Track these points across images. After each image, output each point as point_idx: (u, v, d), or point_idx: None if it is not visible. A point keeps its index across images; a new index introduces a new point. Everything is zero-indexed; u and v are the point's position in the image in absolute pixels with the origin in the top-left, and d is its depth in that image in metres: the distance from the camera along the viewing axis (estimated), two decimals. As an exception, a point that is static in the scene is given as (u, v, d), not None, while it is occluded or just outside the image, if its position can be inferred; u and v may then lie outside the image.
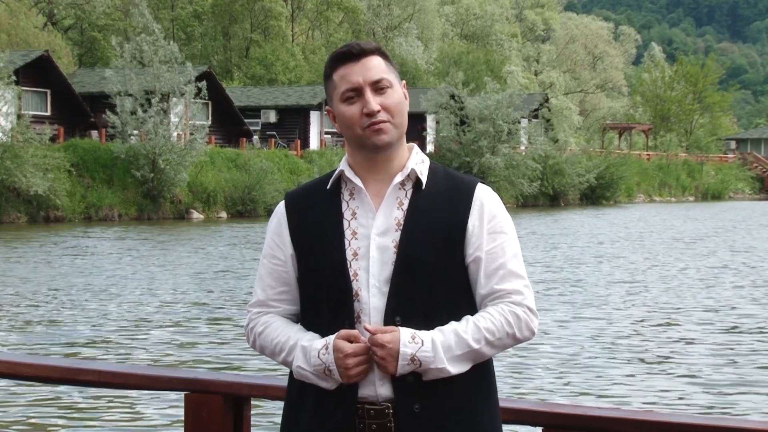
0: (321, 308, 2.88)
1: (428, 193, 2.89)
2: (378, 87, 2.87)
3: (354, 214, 2.90)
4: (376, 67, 2.88)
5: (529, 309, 2.87)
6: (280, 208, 2.99)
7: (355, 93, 2.87)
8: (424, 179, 2.90)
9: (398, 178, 2.89)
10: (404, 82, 2.98)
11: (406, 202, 2.89)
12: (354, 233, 2.88)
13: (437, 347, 2.79)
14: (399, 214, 2.88)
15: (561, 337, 13.83)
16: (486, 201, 2.90)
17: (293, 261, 2.94)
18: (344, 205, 2.91)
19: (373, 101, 2.86)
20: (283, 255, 2.95)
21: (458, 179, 2.94)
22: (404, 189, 2.90)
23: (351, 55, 2.88)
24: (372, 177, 2.91)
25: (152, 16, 47.10)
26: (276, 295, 2.97)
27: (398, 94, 2.90)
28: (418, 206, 2.88)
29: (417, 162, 2.92)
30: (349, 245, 2.87)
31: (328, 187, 2.94)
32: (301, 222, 2.94)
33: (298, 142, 54.51)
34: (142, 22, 45.40)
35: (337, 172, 2.94)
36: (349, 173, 2.91)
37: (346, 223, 2.89)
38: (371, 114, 2.85)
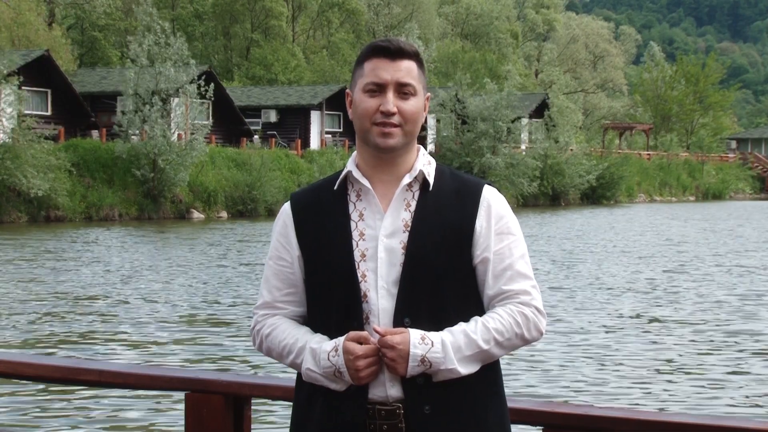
0: (329, 310, 2.88)
1: (435, 194, 2.90)
2: (402, 90, 2.87)
3: (361, 215, 2.89)
4: (407, 70, 2.88)
5: (537, 309, 2.88)
6: (286, 209, 2.99)
7: (378, 88, 2.87)
8: (431, 180, 2.90)
9: (406, 179, 2.89)
10: (429, 95, 2.98)
11: (413, 204, 2.89)
12: (361, 234, 2.88)
13: (447, 348, 2.79)
14: (406, 216, 2.88)
15: (561, 337, 13.83)
16: (493, 202, 2.91)
17: (300, 262, 2.94)
18: (351, 207, 2.91)
19: (392, 102, 2.86)
20: (290, 256, 2.95)
21: (465, 180, 2.94)
22: (411, 190, 2.90)
23: (388, 51, 2.88)
24: (379, 177, 2.91)
25: (157, 14, 46.97)
26: (283, 296, 2.97)
27: (419, 103, 2.90)
28: (426, 207, 2.88)
29: (424, 163, 2.93)
30: (357, 246, 2.87)
31: (335, 187, 2.93)
32: (307, 223, 2.93)
33: (299, 141, 54.52)
34: (147, 20, 45.30)
35: (344, 172, 2.93)
36: (356, 174, 2.91)
37: (353, 225, 2.89)
38: (386, 113, 2.85)
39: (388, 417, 2.81)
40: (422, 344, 2.78)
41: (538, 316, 2.88)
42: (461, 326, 2.83)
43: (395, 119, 2.85)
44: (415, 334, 2.78)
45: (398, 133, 2.86)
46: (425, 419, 2.81)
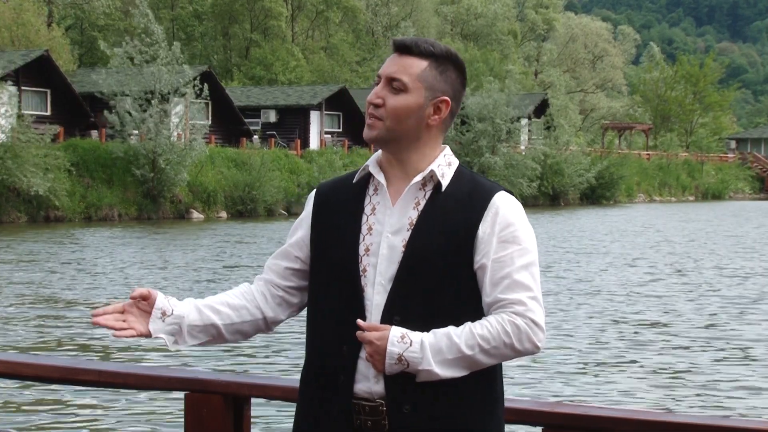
0: (329, 301, 2.89)
1: (447, 196, 2.86)
2: (392, 85, 2.85)
3: (374, 209, 2.90)
4: (406, 66, 2.86)
5: (533, 321, 2.79)
6: (311, 196, 3.03)
7: (379, 80, 2.88)
8: (444, 182, 2.87)
9: (417, 178, 2.87)
10: (445, 98, 2.88)
11: (423, 203, 2.87)
12: (370, 229, 2.88)
13: (425, 349, 2.75)
14: (414, 214, 2.86)
15: (560, 338, 13.83)
16: (502, 208, 2.86)
17: (306, 249, 2.98)
18: (367, 200, 2.92)
19: (378, 93, 2.86)
20: (297, 238, 3.00)
21: (479, 184, 2.90)
22: (424, 190, 2.88)
23: (396, 45, 2.89)
24: (395, 174, 2.90)
25: (153, 16, 47.01)
26: (273, 265, 3.04)
27: (407, 101, 2.85)
28: (434, 208, 2.86)
29: (442, 164, 2.89)
30: (363, 240, 2.87)
31: (354, 180, 2.95)
32: (324, 213, 2.96)
33: (298, 141, 54.51)
34: (143, 22, 45.37)
35: (364, 166, 2.95)
36: (373, 169, 2.91)
37: (364, 218, 2.89)
38: (369, 102, 2.86)
39: (372, 413, 2.80)
40: (400, 343, 2.75)
41: (533, 328, 2.79)
42: (447, 329, 2.78)
43: (379, 112, 2.85)
44: (395, 332, 2.76)
45: (379, 126, 2.85)
46: (404, 418, 2.79)
